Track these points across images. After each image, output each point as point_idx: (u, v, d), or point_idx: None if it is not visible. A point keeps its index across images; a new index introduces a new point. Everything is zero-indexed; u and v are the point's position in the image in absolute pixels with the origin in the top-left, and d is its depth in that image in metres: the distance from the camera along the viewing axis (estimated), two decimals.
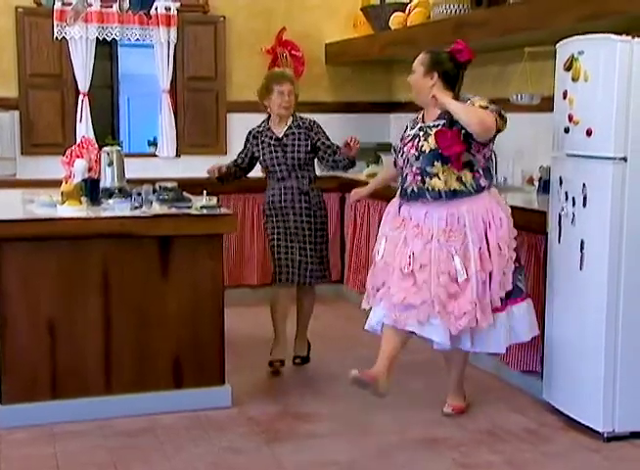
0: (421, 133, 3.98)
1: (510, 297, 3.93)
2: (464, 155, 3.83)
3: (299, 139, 4.79)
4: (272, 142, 4.83)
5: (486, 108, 3.81)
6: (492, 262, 3.85)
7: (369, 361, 4.80)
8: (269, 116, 4.90)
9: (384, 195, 5.70)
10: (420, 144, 3.94)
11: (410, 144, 4.00)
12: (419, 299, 3.85)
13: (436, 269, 3.85)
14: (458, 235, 3.85)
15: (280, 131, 4.84)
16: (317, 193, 4.88)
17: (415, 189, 3.94)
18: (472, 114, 3.76)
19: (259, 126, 4.94)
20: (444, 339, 3.88)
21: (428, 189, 3.90)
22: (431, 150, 3.88)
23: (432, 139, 3.88)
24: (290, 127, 4.82)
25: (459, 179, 3.87)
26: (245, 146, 5.00)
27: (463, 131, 3.79)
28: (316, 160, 4.89)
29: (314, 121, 4.88)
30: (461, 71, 3.97)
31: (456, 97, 3.91)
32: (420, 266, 3.88)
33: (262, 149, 4.85)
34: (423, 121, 4.03)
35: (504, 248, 3.86)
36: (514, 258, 3.94)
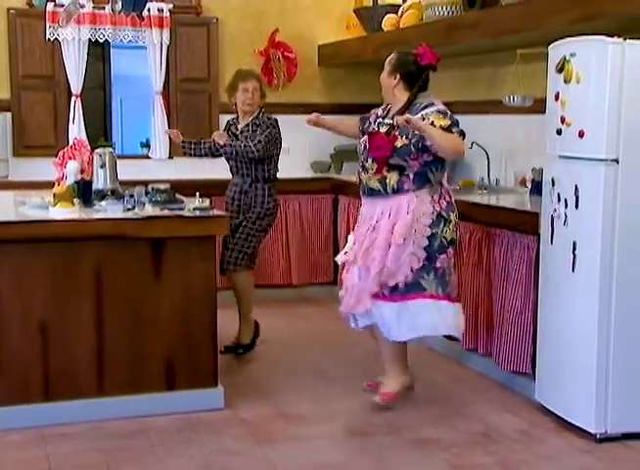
0: (375, 128, 4.18)
1: (410, 291, 4.00)
2: (393, 159, 3.99)
3: (248, 137, 4.86)
4: (232, 136, 4.97)
5: (450, 129, 3.94)
6: (382, 253, 3.98)
7: (361, 362, 4.82)
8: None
9: None
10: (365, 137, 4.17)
11: (365, 137, 4.18)
12: (343, 289, 4.25)
13: (342, 259, 4.26)
14: (365, 228, 4.12)
15: (240, 126, 4.98)
16: (261, 193, 4.94)
17: (358, 181, 4.23)
18: (450, 143, 3.91)
19: (233, 118, 5.11)
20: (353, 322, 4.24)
21: (362, 182, 4.17)
22: (367, 146, 4.09)
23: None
24: (247, 124, 4.93)
25: (381, 179, 4.04)
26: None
27: (413, 140, 3.93)
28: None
29: (269, 120, 4.91)
30: (424, 74, 4.11)
31: (412, 99, 4.07)
32: (340, 259, 4.29)
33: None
34: (383, 117, 4.21)
35: (399, 239, 3.96)
36: (418, 255, 3.99)
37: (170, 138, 5.33)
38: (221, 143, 4.90)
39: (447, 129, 3.92)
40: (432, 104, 4.04)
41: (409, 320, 4.02)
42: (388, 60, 4.19)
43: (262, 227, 5.01)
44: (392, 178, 4.02)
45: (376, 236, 4.05)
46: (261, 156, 4.84)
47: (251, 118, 4.95)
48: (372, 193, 4.11)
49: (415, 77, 4.10)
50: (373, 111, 4.40)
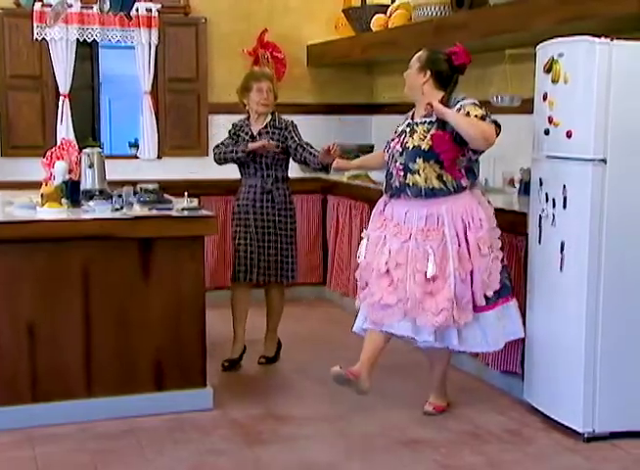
0: (407, 129, 4.04)
1: (500, 296, 3.96)
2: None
3: (272, 139, 4.81)
4: (247, 138, 4.88)
5: (483, 119, 3.84)
6: (472, 262, 3.87)
7: (352, 363, 4.81)
8: (249, 115, 4.94)
9: (365, 196, 5.73)
10: (405, 140, 4.00)
11: (397, 140, 4.07)
12: (395, 298, 3.91)
13: (412, 268, 3.89)
14: (436, 234, 3.89)
15: (256, 129, 4.89)
16: (283, 193, 4.88)
17: (397, 185, 3.99)
18: (475, 128, 3.79)
19: (241, 120, 5.00)
20: (426, 336, 3.92)
21: (409, 185, 3.94)
22: (414, 147, 3.93)
23: (417, 136, 3.94)
24: (266, 126, 4.87)
25: (439, 178, 3.90)
26: (229, 136, 5.01)
27: (454, 133, 3.83)
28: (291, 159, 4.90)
29: (291, 122, 4.90)
30: (456, 74, 4.02)
31: (447, 98, 3.96)
32: (396, 265, 3.93)
33: (236, 143, 4.88)
34: (412, 118, 4.09)
35: (483, 248, 3.88)
36: (500, 257, 3.96)
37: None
38: (272, 148, 4.72)
39: (481, 118, 3.84)
40: (466, 97, 3.97)
41: (505, 325, 3.99)
42: (416, 56, 4.06)
43: (295, 231, 4.96)
44: (449, 176, 3.90)
45: (439, 241, 3.87)
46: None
47: (267, 120, 4.87)
48: (432, 194, 3.90)
49: (446, 76, 3.99)
50: (394, 130, 4.20)
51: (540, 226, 3.97)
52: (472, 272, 3.89)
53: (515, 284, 4.26)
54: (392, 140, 4.10)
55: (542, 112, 3.93)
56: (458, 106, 3.91)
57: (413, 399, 4.32)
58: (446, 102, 3.94)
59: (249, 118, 4.95)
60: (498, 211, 4.42)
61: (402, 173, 3.96)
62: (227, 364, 4.85)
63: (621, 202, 3.70)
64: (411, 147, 3.94)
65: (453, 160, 3.87)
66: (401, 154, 3.98)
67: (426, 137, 3.91)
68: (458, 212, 3.90)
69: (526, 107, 4.42)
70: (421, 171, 3.90)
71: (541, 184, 3.98)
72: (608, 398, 3.78)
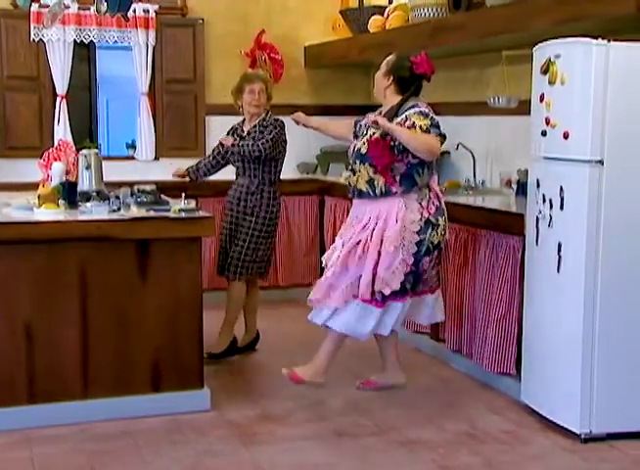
0: (364, 131, 4.21)
1: (397, 296, 4.08)
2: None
3: (255, 138, 4.86)
4: (238, 139, 4.94)
5: (428, 131, 3.95)
6: (378, 258, 4.01)
7: (346, 363, 4.82)
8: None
9: None
10: (356, 141, 4.22)
11: (355, 140, 4.26)
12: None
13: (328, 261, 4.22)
14: (350, 229, 4.16)
15: (247, 129, 4.97)
16: (268, 195, 4.92)
17: (348, 183, 4.27)
18: (419, 142, 3.93)
19: (239, 122, 5.09)
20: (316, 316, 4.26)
21: (350, 184, 4.22)
22: (357, 149, 4.15)
23: (362, 139, 4.14)
24: (255, 126, 4.93)
25: (370, 181, 4.09)
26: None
27: (395, 142, 3.97)
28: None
29: (278, 121, 4.92)
30: (418, 82, 4.14)
31: (401, 103, 4.09)
32: (325, 260, 4.28)
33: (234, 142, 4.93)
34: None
35: (389, 246, 4.00)
36: (409, 262, 4.04)
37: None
38: (228, 144, 4.87)
39: (426, 130, 3.95)
40: (415, 105, 4.08)
41: (389, 318, 4.15)
42: (386, 60, 4.19)
43: (269, 233, 4.98)
44: (380, 181, 4.05)
45: (365, 236, 4.06)
46: (268, 155, 4.82)
47: (257, 120, 4.94)
48: (361, 195, 4.15)
49: (407, 83, 4.12)
50: (368, 114, 4.34)
51: (537, 227, 3.98)
52: (375, 266, 4.02)
53: (511, 285, 4.28)
54: (356, 136, 4.30)
55: (539, 113, 3.93)
56: (403, 116, 4.03)
57: (410, 400, 4.32)
58: (398, 108, 4.08)
59: (244, 120, 5.03)
60: (495, 212, 4.45)
61: (351, 173, 4.20)
62: (206, 355, 4.88)
63: (618, 203, 3.70)
64: (355, 149, 4.17)
65: (386, 165, 4.01)
66: (351, 155, 4.22)
67: (367, 141, 4.09)
68: (378, 211, 4.08)
69: (524, 108, 4.43)
70: (358, 173, 4.13)
71: (538, 185, 3.98)
72: (605, 398, 3.78)
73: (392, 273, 4.02)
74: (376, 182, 4.06)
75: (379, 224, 4.06)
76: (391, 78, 4.14)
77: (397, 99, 4.13)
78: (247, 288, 5.03)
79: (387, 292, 4.04)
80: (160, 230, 4.05)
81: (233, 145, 4.87)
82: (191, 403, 4.12)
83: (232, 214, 4.98)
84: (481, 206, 4.76)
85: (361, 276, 4.05)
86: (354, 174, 4.15)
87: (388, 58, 4.20)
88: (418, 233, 4.04)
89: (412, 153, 3.96)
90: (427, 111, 4.05)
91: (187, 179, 5.24)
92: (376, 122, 3.94)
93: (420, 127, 3.95)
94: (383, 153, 4.00)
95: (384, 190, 4.06)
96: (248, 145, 4.81)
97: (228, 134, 5.09)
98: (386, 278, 4.02)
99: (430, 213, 4.08)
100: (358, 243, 4.07)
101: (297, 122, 4.62)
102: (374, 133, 4.07)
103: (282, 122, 4.93)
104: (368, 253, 4.04)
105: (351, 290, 4.07)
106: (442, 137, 4.01)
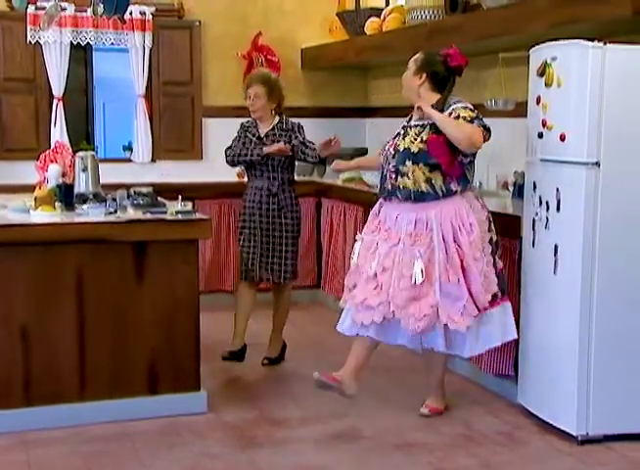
0: (402, 132, 4.07)
1: (494, 299, 3.96)
2: (433, 158, 3.88)
3: (279, 141, 4.81)
4: (254, 140, 4.90)
5: (472, 121, 3.85)
6: (465, 267, 3.86)
7: (344, 365, 4.81)
8: None
9: (359, 199, 5.73)
10: (397, 142, 4.03)
11: (391, 142, 4.10)
12: (377, 300, 3.92)
13: (398, 272, 3.90)
14: (424, 239, 3.88)
15: (263, 131, 4.91)
16: (289, 195, 4.91)
17: (389, 187, 4.01)
18: (461, 131, 3.81)
19: (248, 121, 5.02)
20: (409, 341, 4.01)
21: (399, 188, 3.96)
22: (404, 149, 3.95)
23: (408, 139, 3.97)
24: (273, 128, 4.90)
25: (428, 181, 3.90)
26: (237, 136, 5.02)
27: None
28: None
29: (297, 123, 4.93)
30: (452, 76, 4.04)
31: (443, 100, 3.97)
32: (382, 269, 3.94)
33: (244, 144, 4.88)
34: (408, 120, 4.12)
35: (476, 252, 3.87)
36: (492, 261, 3.95)
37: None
38: (285, 149, 4.76)
39: (470, 120, 3.86)
40: (460, 100, 3.99)
41: (488, 330, 3.99)
42: (413, 59, 4.07)
43: (299, 233, 4.99)
44: (438, 180, 3.91)
45: (448, 250, 3.87)
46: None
47: (275, 123, 4.91)
48: (421, 197, 3.91)
49: (441, 78, 4.01)
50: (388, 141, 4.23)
51: (534, 229, 3.98)
52: (467, 276, 3.87)
53: (509, 287, 4.27)
54: (388, 142, 4.13)
55: (536, 115, 3.93)
56: (450, 109, 3.93)
57: (407, 403, 4.32)
58: (442, 104, 3.95)
59: (255, 121, 4.98)
60: (492, 215, 4.44)
61: (394, 176, 3.97)
62: (227, 355, 4.96)
63: (615, 205, 3.70)
64: (402, 149, 3.96)
65: (450, 163, 3.86)
66: (393, 156, 4.00)
67: (416, 140, 3.93)
68: (447, 217, 3.90)
69: (520, 110, 4.43)
70: (410, 174, 3.92)
71: (535, 187, 3.98)
72: (601, 400, 3.78)
73: (486, 278, 3.89)
74: (434, 181, 3.90)
75: (457, 235, 3.88)
76: (424, 75, 3.99)
77: (435, 97, 3.99)
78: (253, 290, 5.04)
79: (488, 298, 3.91)
80: (157, 232, 4.04)
81: (308, 150, 4.79)
82: (188, 406, 4.12)
83: (256, 219, 4.90)
84: None
85: (470, 290, 3.87)
86: (402, 176, 3.94)
87: (415, 56, 4.07)
88: (489, 231, 3.98)
89: (462, 151, 3.85)
90: (471, 105, 3.96)
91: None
92: (420, 109, 3.84)
93: (463, 118, 3.85)
94: (445, 150, 3.84)
95: (444, 189, 3.90)
96: (310, 148, 4.78)
97: (238, 133, 5.00)
98: (484, 284, 3.89)
99: (487, 210, 4.04)
100: (447, 261, 3.85)
101: (340, 171, 4.56)
102: (419, 132, 3.94)
103: (300, 125, 4.94)
104: (467, 265, 3.86)
105: (472, 306, 3.89)
106: (487, 130, 3.88)
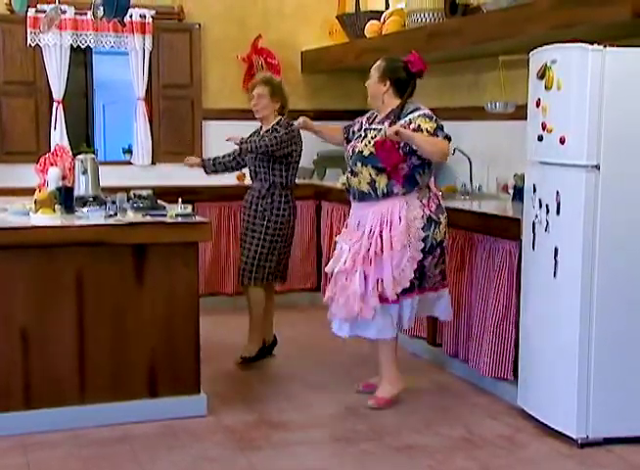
0: (362, 134, 4.24)
1: (406, 292, 4.14)
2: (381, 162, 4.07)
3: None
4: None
5: (435, 133, 4.02)
6: (383, 259, 4.07)
7: (344, 368, 4.82)
8: None
9: None
10: (356, 144, 4.22)
11: (352, 142, 4.28)
12: (327, 294, 4.33)
13: (340, 268, 4.21)
14: (358, 234, 4.15)
15: (262, 133, 4.95)
16: (278, 199, 4.90)
17: (348, 186, 4.26)
18: (435, 147, 4.00)
19: (257, 128, 5.07)
20: (342, 329, 4.26)
21: (352, 186, 4.23)
22: (358, 151, 4.16)
23: (364, 141, 4.15)
24: (269, 130, 4.91)
25: (371, 183, 4.12)
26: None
27: (402, 143, 4.00)
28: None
29: (289, 125, 4.86)
30: (412, 81, 4.18)
31: (402, 105, 4.13)
32: (335, 267, 4.24)
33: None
34: (369, 123, 4.27)
35: (396, 245, 4.04)
36: (417, 258, 4.10)
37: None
38: (237, 140, 4.82)
39: (433, 133, 4.01)
40: (418, 108, 4.13)
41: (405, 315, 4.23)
42: (375, 66, 4.23)
43: (282, 237, 4.95)
44: (382, 182, 4.10)
45: (371, 242, 4.09)
46: (274, 152, 4.78)
47: (271, 125, 4.93)
48: (363, 197, 4.18)
49: (404, 84, 4.17)
50: (357, 119, 4.43)
51: (534, 232, 3.97)
52: (382, 267, 4.07)
53: (508, 290, 4.28)
54: (347, 141, 4.36)
55: (536, 118, 3.93)
56: (407, 119, 4.07)
57: (406, 405, 4.32)
58: (400, 110, 4.12)
59: (261, 124, 5.02)
60: (491, 217, 4.45)
61: (350, 176, 4.21)
62: (241, 361, 5.00)
63: (615, 208, 3.70)
64: (356, 151, 4.17)
65: (395, 166, 4.03)
66: (351, 157, 4.22)
67: (369, 143, 4.11)
68: (381, 213, 4.11)
69: (520, 113, 4.43)
70: (359, 175, 4.15)
71: (535, 190, 3.98)
72: (601, 403, 3.77)
73: (402, 271, 4.08)
74: (377, 183, 4.11)
75: (384, 227, 4.09)
76: (388, 82, 4.16)
77: (396, 102, 4.17)
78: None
79: (398, 290, 4.09)
80: (157, 235, 4.04)
81: (242, 142, 4.83)
82: (187, 409, 4.11)
83: (246, 219, 4.98)
84: (478, 211, 4.76)
85: (378, 280, 4.08)
86: (355, 176, 4.18)
87: (376, 64, 4.23)
88: (423, 229, 4.10)
89: (416, 154, 4.02)
90: (430, 113, 4.11)
91: (196, 167, 5.15)
92: (397, 134, 3.91)
93: (427, 130, 4.01)
94: (390, 154, 4.01)
95: (386, 191, 4.11)
96: (254, 141, 4.79)
97: (253, 135, 5.04)
98: (396, 277, 4.07)
99: (431, 211, 4.15)
100: (369, 250, 4.09)
101: (304, 127, 4.57)
102: (375, 136, 4.11)
103: (297, 127, 4.91)
104: (383, 256, 4.07)
105: (375, 296, 4.11)
106: (448, 139, 4.09)
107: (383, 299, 4.11)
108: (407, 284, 4.11)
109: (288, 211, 4.94)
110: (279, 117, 4.94)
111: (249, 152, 4.84)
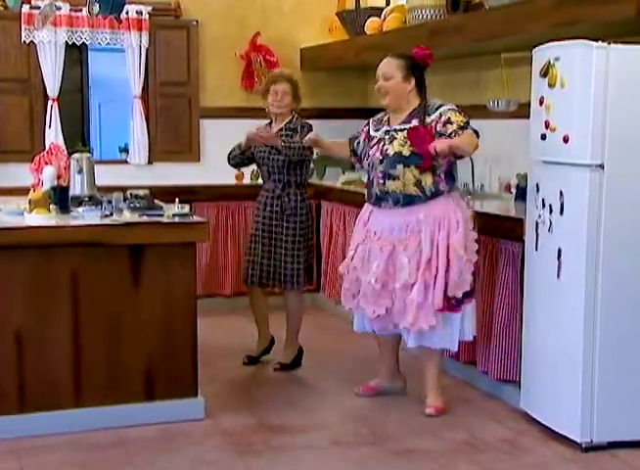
0: (386, 137, 4.10)
1: (466, 296, 4.05)
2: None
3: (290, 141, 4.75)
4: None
5: (466, 126, 3.96)
6: (449, 265, 3.96)
7: (345, 371, 4.78)
8: (271, 119, 4.93)
9: (359, 202, 5.67)
10: (385, 147, 4.07)
11: (375, 147, 4.13)
12: (383, 309, 4.09)
13: (395, 280, 4.04)
14: (414, 242, 3.98)
15: (274, 129, 4.85)
16: (295, 198, 4.81)
17: (378, 192, 4.08)
18: (472, 146, 3.96)
19: (266, 124, 4.96)
20: (410, 341, 4.12)
21: (388, 192, 4.03)
22: (395, 153, 4.02)
23: (397, 143, 4.03)
24: (281, 129, 4.82)
25: (417, 184, 3.99)
26: None
27: (434, 131, 3.94)
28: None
29: (306, 124, 4.81)
30: (423, 75, 4.15)
31: (424, 101, 4.08)
32: (383, 279, 4.06)
33: (256, 146, 4.81)
34: (389, 125, 4.15)
35: (459, 249, 3.95)
36: (473, 260, 4.04)
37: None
38: (273, 140, 4.67)
39: (464, 125, 3.96)
40: (443, 103, 4.08)
41: (468, 322, 4.15)
42: (394, 66, 4.11)
43: (306, 237, 4.86)
44: (428, 180, 4.00)
45: (433, 251, 3.97)
46: (308, 154, 4.75)
47: (285, 123, 4.83)
48: (410, 201, 4.01)
49: (423, 80, 4.13)
50: (361, 129, 4.34)
51: (537, 232, 3.92)
52: (446, 273, 3.96)
53: (512, 291, 4.23)
54: (370, 148, 4.16)
55: (539, 116, 3.88)
56: (438, 113, 4.00)
57: (408, 408, 4.27)
58: (425, 107, 4.05)
59: (271, 122, 4.92)
60: (494, 217, 4.40)
61: (382, 181, 4.04)
62: (246, 361, 4.96)
63: (619, 208, 3.65)
64: (392, 154, 4.02)
65: (430, 152, 3.90)
66: (381, 161, 4.05)
67: (406, 143, 4.00)
68: (436, 217, 3.99)
69: (523, 111, 4.37)
70: (400, 177, 4.00)
71: (538, 190, 3.93)
72: (606, 407, 3.73)
73: (463, 276, 3.99)
74: (424, 183, 3.99)
75: (442, 233, 3.97)
76: (414, 81, 4.09)
77: (417, 100, 4.09)
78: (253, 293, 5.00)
79: (459, 295, 3.99)
80: (154, 235, 3.99)
81: (284, 147, 4.64)
82: (185, 412, 4.06)
83: (262, 221, 4.84)
84: (480, 210, 4.70)
85: (442, 288, 3.98)
86: (394, 180, 4.01)
87: (393, 62, 4.11)
88: (474, 229, 4.07)
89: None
90: (455, 107, 4.05)
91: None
92: (435, 151, 3.84)
93: (457, 122, 3.95)
94: (424, 139, 3.92)
95: (433, 190, 4.00)
96: (298, 148, 4.64)
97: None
98: (458, 282, 3.98)
99: (472, 209, 4.13)
100: (430, 259, 3.97)
101: (314, 144, 4.50)
102: (406, 135, 4.02)
103: (311, 126, 4.83)
104: (439, 262, 3.96)
105: (439, 304, 4.00)
106: (477, 133, 4.03)
107: (446, 307, 4.00)
108: (468, 287, 4.01)
109: (305, 210, 4.87)
110: (291, 115, 4.86)
111: (291, 157, 4.70)
